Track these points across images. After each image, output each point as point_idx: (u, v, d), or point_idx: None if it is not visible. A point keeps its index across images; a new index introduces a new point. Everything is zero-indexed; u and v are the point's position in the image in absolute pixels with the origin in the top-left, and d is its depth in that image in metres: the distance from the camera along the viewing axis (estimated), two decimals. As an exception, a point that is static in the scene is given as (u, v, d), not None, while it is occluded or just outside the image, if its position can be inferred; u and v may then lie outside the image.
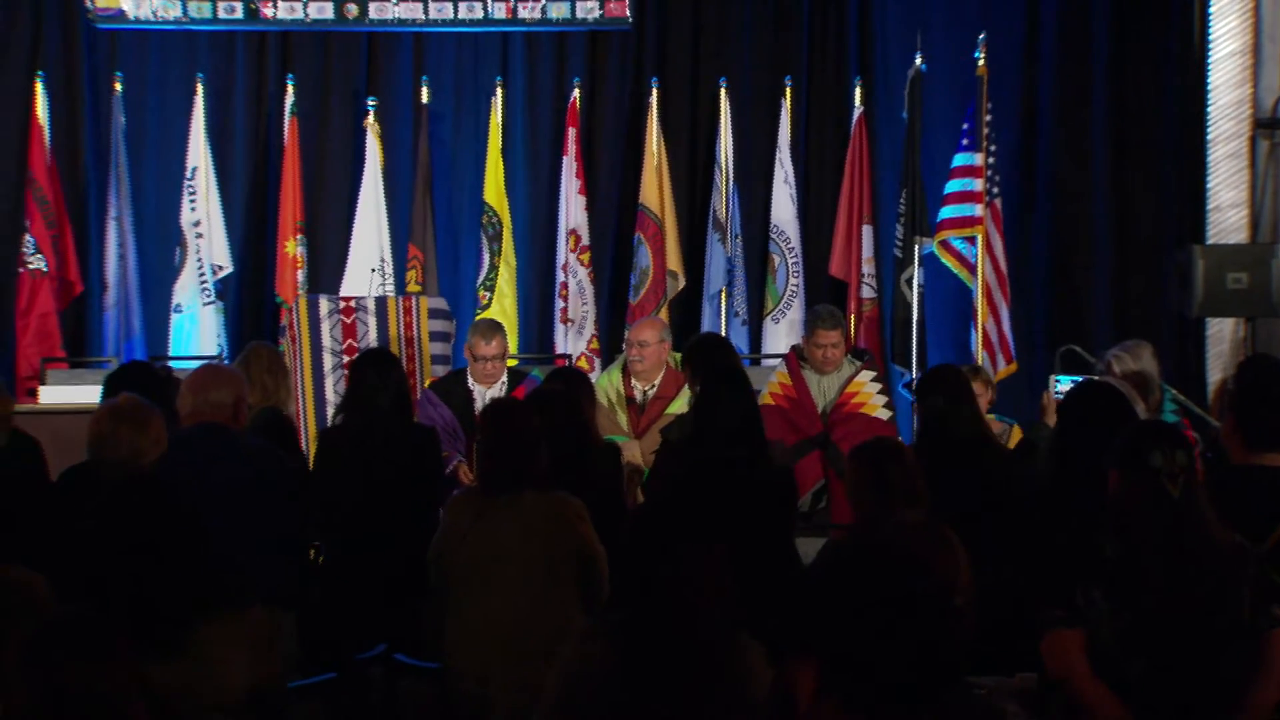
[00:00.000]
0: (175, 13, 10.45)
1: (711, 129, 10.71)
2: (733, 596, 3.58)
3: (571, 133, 10.47)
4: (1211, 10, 10.35)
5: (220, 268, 10.33)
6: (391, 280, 10.20)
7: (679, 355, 7.70)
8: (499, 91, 10.49)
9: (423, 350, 8.44)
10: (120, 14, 10.43)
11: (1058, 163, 10.86)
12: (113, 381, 6.29)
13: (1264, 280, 9.32)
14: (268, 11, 10.51)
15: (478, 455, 5.42)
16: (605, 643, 3.60)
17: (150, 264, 10.45)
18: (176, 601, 3.51)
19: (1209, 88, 10.37)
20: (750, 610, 3.64)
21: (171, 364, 8.59)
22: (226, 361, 9.25)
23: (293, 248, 10.28)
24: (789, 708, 2.60)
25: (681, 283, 10.50)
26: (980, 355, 9.70)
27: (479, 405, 7.29)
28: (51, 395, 8.52)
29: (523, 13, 10.60)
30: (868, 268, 10.50)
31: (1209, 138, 10.39)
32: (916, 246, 9.98)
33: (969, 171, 9.88)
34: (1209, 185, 10.40)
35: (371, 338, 8.36)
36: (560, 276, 10.40)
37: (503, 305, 10.19)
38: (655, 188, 10.44)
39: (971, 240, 9.90)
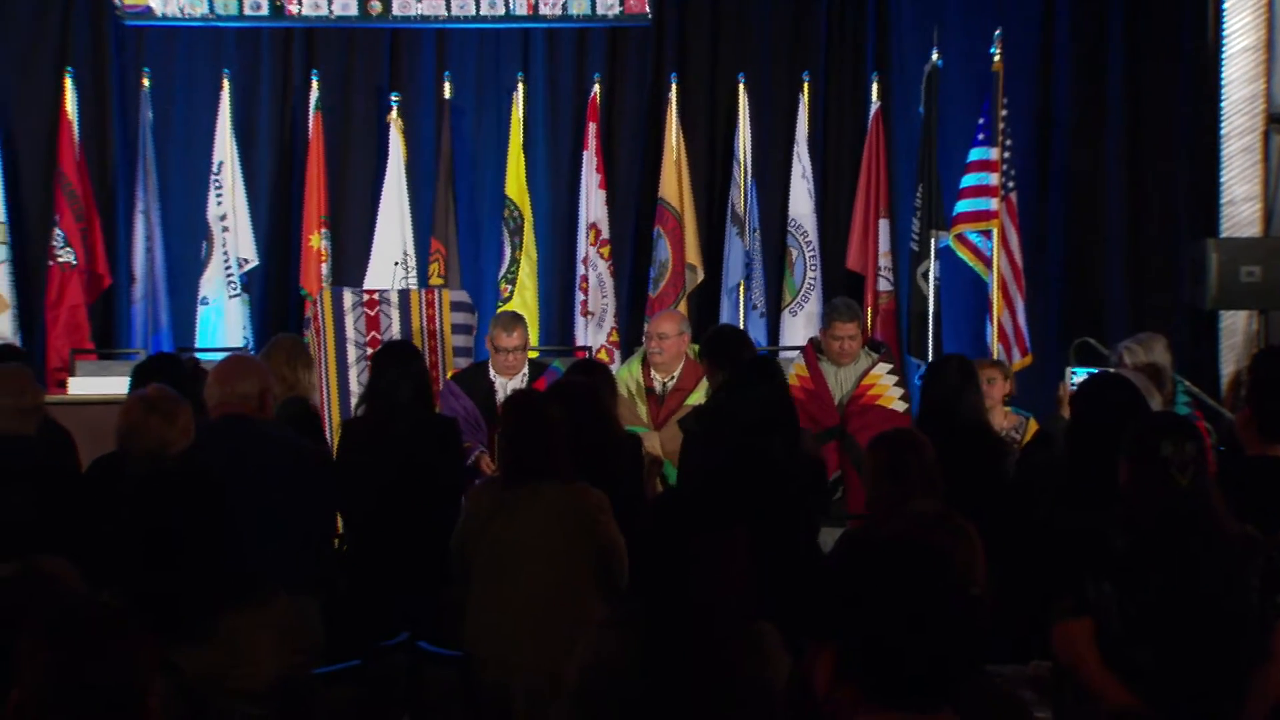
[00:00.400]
0: (202, 10, 10.47)
1: (730, 124, 10.70)
2: (751, 585, 3.58)
3: (592, 128, 10.47)
4: (1225, 6, 10.31)
5: (246, 261, 10.35)
6: (414, 273, 10.21)
7: (698, 347, 7.71)
8: (520, 87, 10.49)
9: (445, 342, 8.44)
10: (148, 11, 10.46)
11: (1072, 157, 10.83)
12: (140, 373, 6.31)
13: (1277, 273, 9.30)
14: (293, 8, 10.53)
15: (499, 446, 5.42)
16: (625, 632, 3.60)
17: (177, 257, 10.47)
18: (204, 590, 3.52)
19: (1222, 83, 10.34)
20: (771, 598, 3.64)
21: (198, 356, 8.61)
22: (252, 353, 9.27)
23: (317, 241, 10.30)
24: (807, 696, 2.61)
25: (700, 276, 10.49)
26: (995, 348, 9.69)
27: (500, 396, 7.29)
28: (80, 386, 8.55)
29: (544, 9, 10.61)
30: (884, 261, 10.49)
31: (1222, 132, 10.35)
32: (933, 240, 9.98)
33: (984, 166, 9.86)
34: (1222, 179, 10.37)
35: (394, 330, 8.36)
36: (580, 270, 10.40)
37: (524, 298, 10.20)
38: (674, 182, 10.44)
39: (987, 234, 9.88)
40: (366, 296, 8.51)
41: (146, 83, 10.36)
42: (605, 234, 10.38)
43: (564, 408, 5.45)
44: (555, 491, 5.12)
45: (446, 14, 10.60)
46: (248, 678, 3.54)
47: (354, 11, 10.56)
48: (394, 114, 10.36)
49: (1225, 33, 10.32)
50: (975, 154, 9.92)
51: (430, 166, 10.59)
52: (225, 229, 10.23)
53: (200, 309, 10.24)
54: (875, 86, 10.65)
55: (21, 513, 3.83)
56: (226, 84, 10.36)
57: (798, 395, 7.47)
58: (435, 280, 10.14)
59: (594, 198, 10.39)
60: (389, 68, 10.83)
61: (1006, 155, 9.92)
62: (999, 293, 9.85)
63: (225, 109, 10.32)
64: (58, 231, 10.12)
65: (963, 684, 2.43)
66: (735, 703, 3.44)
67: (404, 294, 8.59)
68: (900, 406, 7.56)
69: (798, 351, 8.28)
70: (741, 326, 10.07)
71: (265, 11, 10.53)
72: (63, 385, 8.84)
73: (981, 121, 9.92)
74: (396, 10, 10.56)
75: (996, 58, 9.91)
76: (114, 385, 7.65)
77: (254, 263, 10.42)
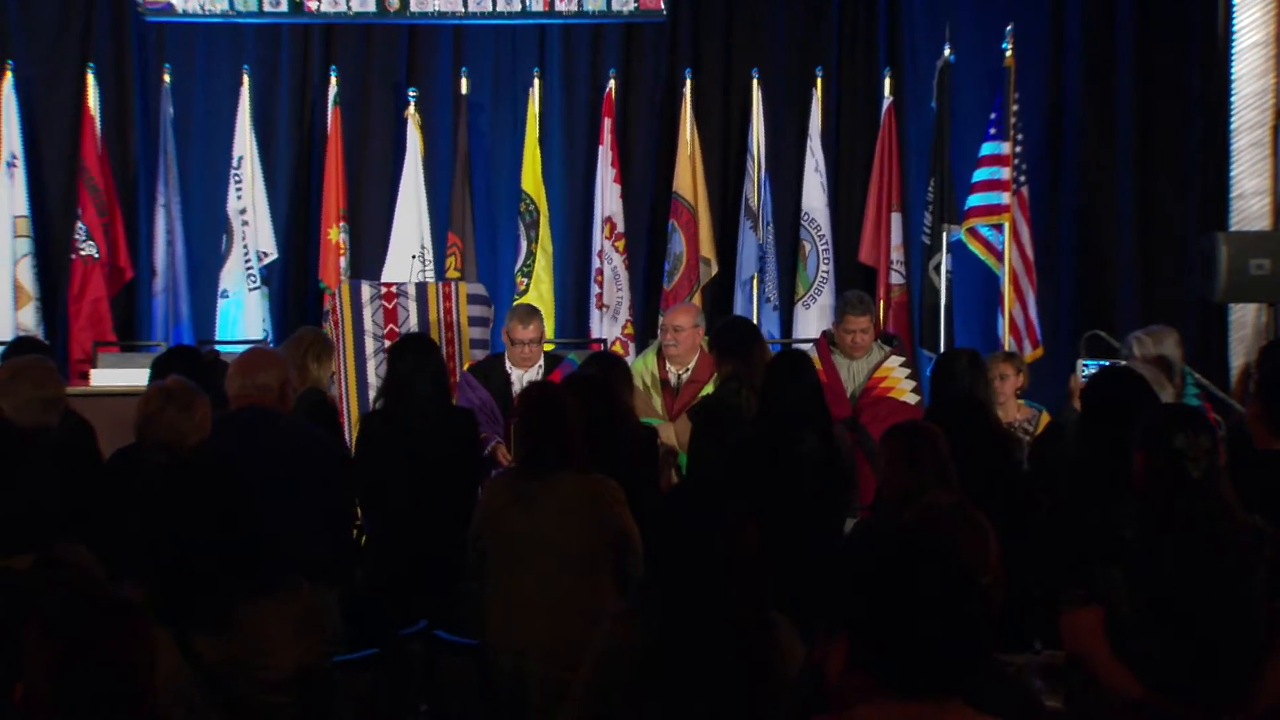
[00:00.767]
0: (222, 6, 10.48)
1: (744, 119, 10.70)
2: (765, 574, 3.57)
3: (607, 122, 10.47)
4: (1235, 2, 10.27)
5: (265, 254, 10.37)
6: (431, 266, 10.23)
7: (710, 339, 7.71)
8: (536, 82, 10.50)
9: (462, 334, 8.45)
10: (169, 7, 10.47)
11: (1083, 152, 10.80)
12: (159, 365, 6.32)
13: (1286, 267, 9.26)
14: (312, 4, 10.54)
15: (516, 437, 5.42)
16: (640, 621, 3.60)
17: (198, 250, 10.50)
18: (223, 580, 3.52)
19: (1232, 78, 10.29)
20: (786, 587, 3.64)
21: (218, 348, 8.63)
22: (272, 346, 9.29)
23: (336, 235, 10.32)
24: (819, 684, 2.60)
25: (714, 269, 10.49)
26: (1007, 341, 9.67)
27: (516, 388, 7.29)
28: (102, 378, 8.56)
29: (560, 5, 10.61)
30: (897, 254, 10.48)
31: (1232, 127, 10.31)
32: (944, 234, 9.97)
33: (996, 160, 9.83)
34: (1232, 173, 10.32)
35: (412, 323, 8.37)
36: (596, 263, 10.41)
37: (540, 291, 10.20)
38: (689, 176, 10.44)
39: (999, 228, 9.86)
40: (384, 289, 8.52)
41: (167, 78, 10.38)
42: (620, 227, 10.39)
43: (579, 399, 5.45)
44: (571, 482, 5.12)
45: (463, 10, 10.60)
46: (268, 666, 3.54)
47: (372, 8, 10.57)
48: (411, 109, 10.37)
49: (1235, 28, 10.28)
50: (987, 148, 9.90)
51: (447, 161, 10.60)
52: (245, 223, 10.25)
53: (220, 302, 10.27)
54: (888, 82, 10.64)
55: (43, 503, 3.82)
56: (246, 79, 10.37)
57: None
58: (452, 273, 10.15)
59: (609, 192, 10.39)
60: (407, 63, 10.84)
61: (1018, 150, 9.89)
62: (1010, 286, 9.82)
63: (245, 104, 10.34)
64: (80, 225, 10.15)
65: (974, 673, 2.42)
66: (749, 692, 3.44)
67: (421, 287, 8.60)
68: (912, 399, 7.55)
69: (811, 344, 8.26)
70: (755, 319, 10.07)
71: (284, 8, 10.54)
72: (85, 377, 8.86)
73: (993, 116, 9.90)
74: (414, 6, 10.57)
75: (1008, 53, 9.88)
76: (135, 377, 7.64)
77: (273, 256, 10.44)
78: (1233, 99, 10.28)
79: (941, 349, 9.69)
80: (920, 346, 10.09)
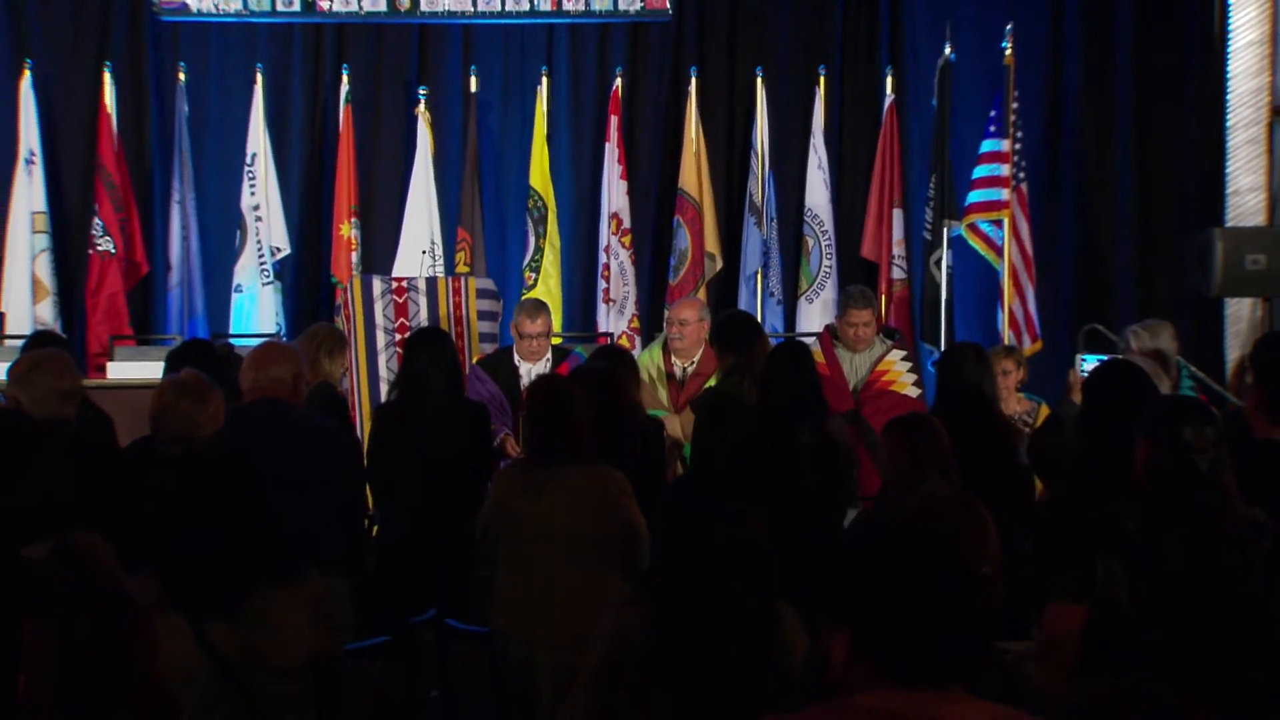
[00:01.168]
0: (236, 6, 10.49)
1: (748, 116, 10.69)
2: (770, 566, 3.57)
3: (613, 120, 10.46)
4: (1231, 2, 10.27)
5: (278, 249, 10.37)
6: (441, 261, 10.22)
7: (715, 332, 7.70)
8: (544, 81, 10.48)
9: (471, 329, 8.45)
10: (184, 7, 10.47)
11: (1082, 149, 10.80)
12: (174, 358, 6.32)
13: (1281, 262, 9.25)
14: (324, 4, 10.54)
15: (525, 429, 5.42)
16: (646, 609, 3.60)
17: (212, 246, 10.50)
18: (238, 569, 3.52)
19: (1228, 76, 10.30)
20: (790, 578, 3.63)
21: (232, 342, 8.63)
22: (285, 339, 9.29)
23: (347, 230, 10.31)
24: (823, 674, 2.59)
25: (719, 264, 10.48)
26: (1006, 334, 9.68)
27: (525, 381, 7.29)
28: (119, 371, 8.56)
29: (567, 4, 10.60)
30: (898, 250, 10.48)
31: (1228, 124, 10.31)
32: (945, 229, 9.96)
33: (996, 157, 9.83)
34: (1228, 170, 10.33)
35: (422, 317, 8.36)
36: (602, 258, 10.40)
37: (547, 285, 10.19)
38: (694, 173, 10.43)
39: (998, 223, 9.86)
40: (395, 284, 8.51)
41: (182, 77, 10.38)
42: (627, 223, 10.38)
43: (587, 392, 5.44)
44: (579, 473, 5.12)
45: (473, 9, 10.60)
46: (281, 654, 3.54)
47: (383, 7, 10.57)
48: (422, 107, 10.36)
49: (1231, 27, 10.28)
50: (987, 146, 9.90)
51: (457, 158, 10.60)
52: (258, 218, 10.25)
53: (234, 296, 10.27)
54: (889, 80, 10.64)
55: (59, 493, 3.83)
56: (260, 78, 10.37)
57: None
58: (462, 268, 10.15)
59: (616, 188, 10.38)
60: (417, 62, 10.84)
61: (1017, 147, 9.89)
62: (1010, 280, 9.82)
63: (258, 102, 10.33)
64: (97, 221, 10.15)
65: (976, 662, 2.42)
66: (753, 682, 3.44)
67: (431, 281, 8.59)
68: (913, 392, 7.54)
69: (814, 338, 8.26)
70: (759, 313, 10.09)
71: (297, 7, 10.54)
72: (102, 370, 8.86)
73: (993, 114, 9.90)
74: (424, 6, 10.57)
75: (1008, 52, 9.88)
76: (151, 370, 7.65)
77: (286, 251, 10.44)
78: (1228, 97, 10.29)
79: (942, 343, 9.70)
80: (921, 340, 10.08)
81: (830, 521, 5.63)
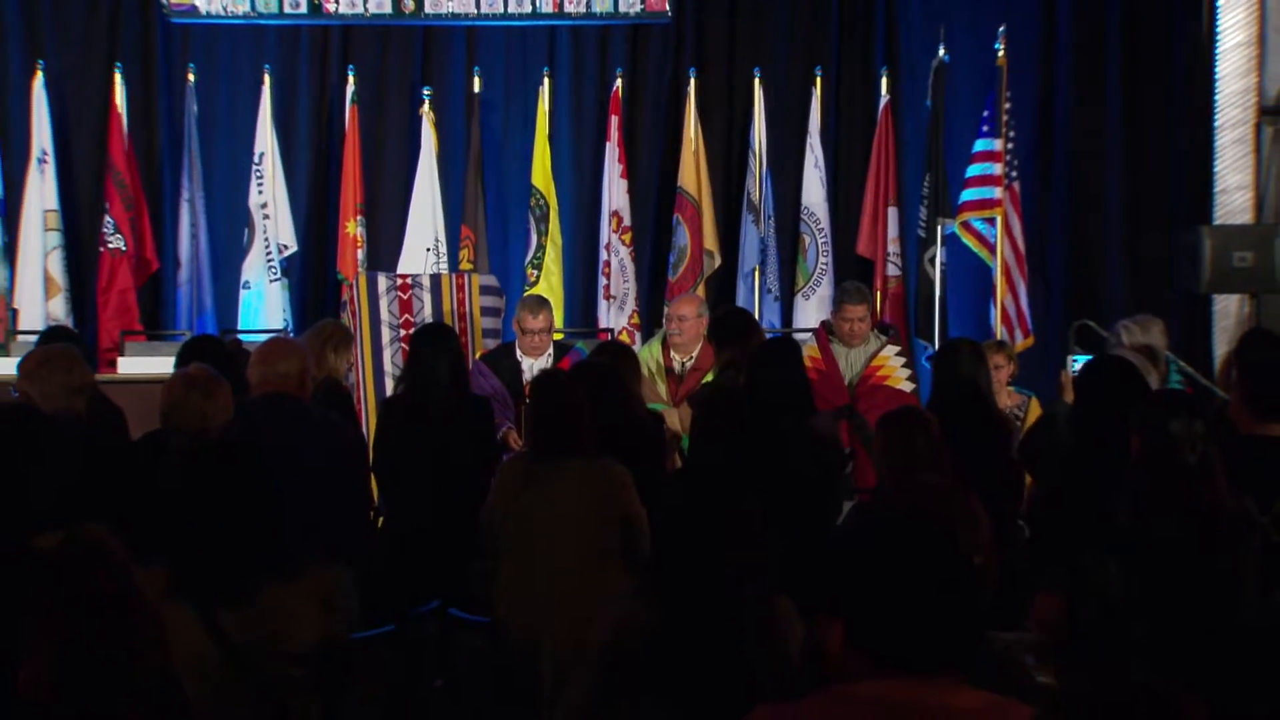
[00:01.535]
0: (244, 8, 10.47)
1: (746, 116, 10.68)
2: (769, 556, 3.56)
3: (614, 120, 10.45)
4: (1219, 4, 10.28)
5: (285, 247, 10.36)
6: (445, 259, 10.21)
7: (713, 328, 7.69)
8: (546, 81, 10.47)
9: (474, 324, 8.45)
10: (193, 9, 10.46)
11: (1073, 148, 10.79)
12: (183, 353, 6.33)
13: (1268, 259, 9.25)
14: (330, 6, 10.53)
15: (527, 423, 5.42)
16: (648, 599, 3.60)
17: (220, 243, 10.49)
18: (246, 558, 3.52)
19: (1217, 77, 10.30)
20: (787, 569, 3.63)
21: (240, 337, 8.62)
22: (292, 335, 9.29)
23: (353, 228, 10.31)
24: (818, 663, 2.59)
25: (717, 261, 10.48)
26: (999, 330, 9.67)
27: (527, 376, 7.30)
28: (130, 366, 8.56)
29: (569, 7, 10.59)
30: (893, 247, 10.46)
31: (1216, 124, 10.31)
32: (939, 227, 9.96)
33: (989, 156, 9.82)
34: (1216, 169, 10.33)
35: (427, 313, 8.37)
36: (603, 255, 10.39)
37: (549, 282, 10.19)
38: (693, 172, 10.42)
39: (991, 221, 9.85)
40: (400, 280, 8.52)
41: (192, 78, 10.37)
42: (627, 221, 10.38)
43: (589, 386, 5.44)
44: (580, 466, 5.12)
45: (476, 12, 10.59)
46: (289, 642, 3.55)
47: (388, 10, 10.56)
48: (426, 107, 10.35)
49: (1219, 29, 10.28)
50: (980, 145, 9.89)
51: (460, 157, 10.59)
52: (266, 216, 10.24)
53: (242, 293, 10.26)
54: (885, 81, 10.62)
55: (69, 486, 3.83)
56: (267, 79, 10.36)
57: (810, 375, 7.46)
58: (465, 265, 10.14)
59: (616, 187, 10.38)
60: (421, 63, 10.83)
61: (1010, 146, 9.88)
62: (1002, 277, 9.82)
63: (266, 102, 10.33)
64: (108, 219, 10.15)
65: (970, 651, 2.42)
66: (751, 671, 3.43)
67: (435, 278, 8.60)
68: (907, 387, 7.54)
69: (810, 334, 8.26)
70: (757, 310, 10.09)
71: (304, 10, 10.53)
72: (113, 365, 8.86)
73: (986, 114, 9.88)
74: (429, 8, 10.56)
75: (1000, 54, 9.87)
76: (161, 365, 7.65)
77: (293, 248, 10.43)
78: (1217, 97, 10.29)
79: (936, 338, 9.70)
80: (916, 336, 10.08)
81: (823, 512, 5.63)
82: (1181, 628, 3.78)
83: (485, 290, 8.59)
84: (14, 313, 9.98)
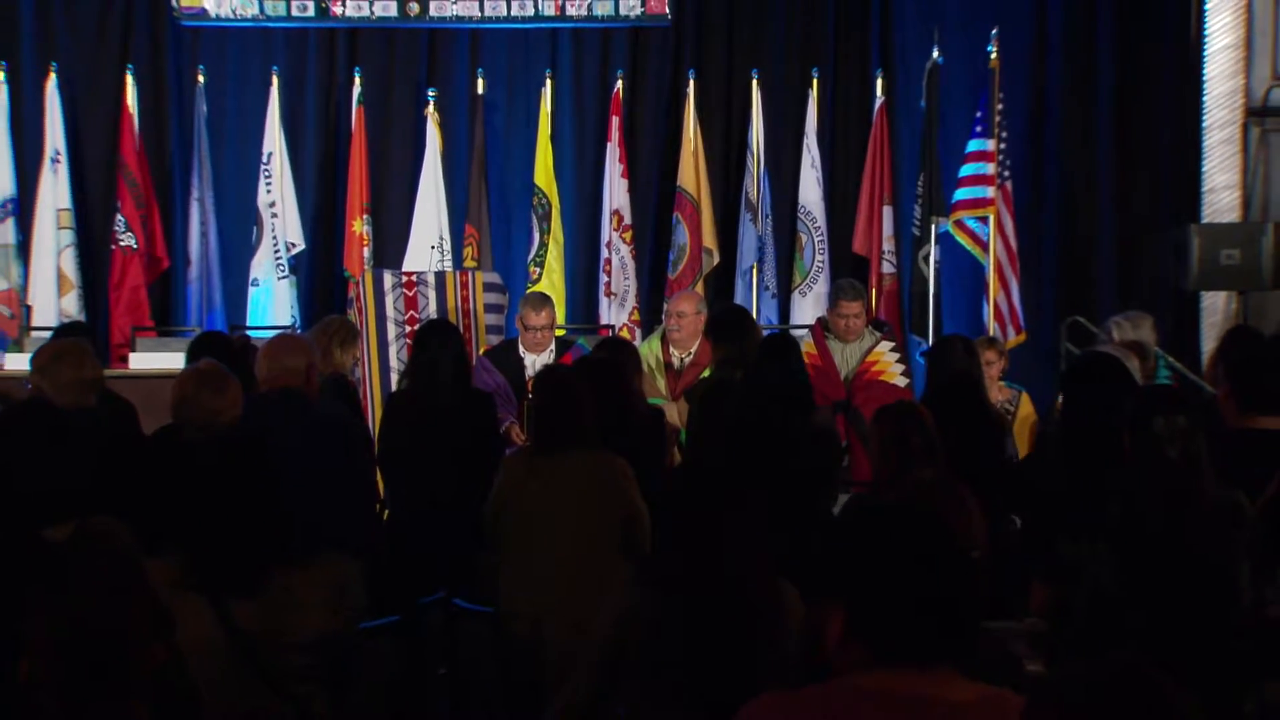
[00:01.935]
0: (253, 11, 10.47)
1: (744, 117, 10.67)
2: (770, 545, 3.55)
3: (615, 121, 10.45)
4: (1207, 7, 10.30)
5: (293, 245, 10.36)
6: (450, 256, 10.21)
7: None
8: (548, 82, 10.47)
9: (478, 321, 8.45)
10: (203, 12, 10.47)
11: (1064, 148, 10.79)
12: (193, 349, 6.33)
13: (1254, 257, 9.27)
14: (337, 9, 10.52)
15: (530, 417, 5.41)
16: (652, 588, 3.59)
17: (229, 241, 10.49)
18: (255, 549, 3.52)
19: (1204, 79, 10.32)
20: (789, 561, 3.63)
21: (248, 333, 8.62)
22: (299, 331, 9.28)
23: (359, 226, 10.30)
24: (818, 650, 2.59)
25: (716, 259, 10.47)
26: (992, 326, 9.67)
27: (530, 371, 7.29)
28: (140, 361, 8.57)
29: (570, 10, 10.59)
30: (888, 245, 10.45)
31: (1204, 125, 10.33)
32: (933, 226, 9.96)
33: (982, 156, 9.82)
34: (1204, 169, 10.35)
35: (431, 309, 8.37)
36: (604, 253, 10.39)
37: (551, 280, 10.18)
38: (692, 171, 10.42)
39: (984, 220, 9.85)
40: (405, 278, 8.51)
41: (201, 79, 10.37)
42: (627, 220, 10.37)
43: (590, 382, 5.44)
44: (582, 459, 5.11)
45: (480, 15, 10.59)
46: (297, 631, 3.55)
47: (394, 13, 10.56)
48: (431, 108, 10.35)
49: (1207, 32, 10.30)
50: (973, 145, 9.89)
51: (464, 157, 10.58)
52: (274, 215, 10.24)
53: (251, 290, 10.26)
54: (880, 82, 10.61)
55: (81, 478, 3.82)
56: (275, 80, 10.36)
57: (807, 371, 7.46)
58: (469, 263, 10.14)
59: (617, 186, 10.37)
60: (426, 65, 10.83)
61: (1002, 146, 9.88)
62: (995, 275, 9.82)
63: (274, 103, 10.32)
64: (119, 217, 10.15)
65: (966, 642, 2.41)
66: (755, 660, 3.43)
67: (440, 275, 8.60)
68: (902, 382, 7.54)
69: (806, 330, 8.25)
70: (754, 307, 10.08)
71: (311, 13, 10.53)
72: (124, 360, 8.87)
73: (979, 115, 9.88)
74: (433, 11, 10.56)
75: (993, 55, 9.86)
76: (172, 360, 7.65)
77: (301, 246, 10.43)
78: (1205, 98, 10.32)
79: (930, 335, 9.69)
80: (910, 332, 10.08)
81: (820, 504, 5.62)
82: (1173, 619, 3.77)
83: (489, 287, 8.59)
84: (28, 309, 9.99)
